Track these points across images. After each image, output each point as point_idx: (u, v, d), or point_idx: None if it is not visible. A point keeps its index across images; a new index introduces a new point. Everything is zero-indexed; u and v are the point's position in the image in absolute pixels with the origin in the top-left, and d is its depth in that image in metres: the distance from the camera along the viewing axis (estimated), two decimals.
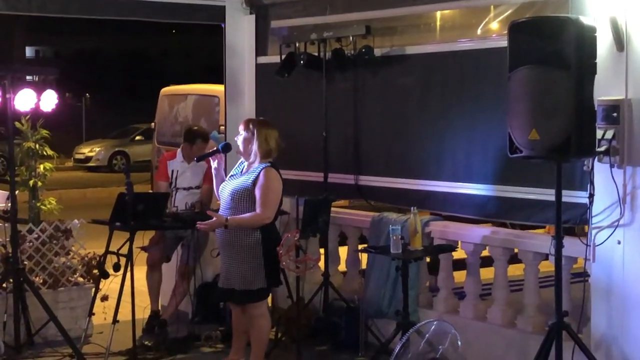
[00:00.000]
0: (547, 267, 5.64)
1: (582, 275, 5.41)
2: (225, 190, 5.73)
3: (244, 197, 5.63)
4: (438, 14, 6.71)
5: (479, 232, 6.30)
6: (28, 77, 6.89)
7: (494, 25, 6.24)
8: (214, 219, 5.61)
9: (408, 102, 6.68)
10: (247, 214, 5.60)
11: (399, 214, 6.66)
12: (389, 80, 6.79)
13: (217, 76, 8.27)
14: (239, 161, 5.89)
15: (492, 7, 6.21)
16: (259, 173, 5.62)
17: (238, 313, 5.92)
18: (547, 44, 4.88)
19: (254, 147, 5.67)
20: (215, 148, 5.97)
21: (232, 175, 5.82)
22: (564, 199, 5.08)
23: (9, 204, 6.30)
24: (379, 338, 6.47)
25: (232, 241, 5.66)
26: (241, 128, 5.75)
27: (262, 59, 7.75)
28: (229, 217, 5.58)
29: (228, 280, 5.73)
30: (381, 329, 6.53)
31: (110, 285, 6.67)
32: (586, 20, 4.95)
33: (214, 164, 5.89)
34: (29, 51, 43.70)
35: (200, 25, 8.13)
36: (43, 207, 7.27)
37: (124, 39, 38.78)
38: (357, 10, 7.03)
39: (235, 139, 5.82)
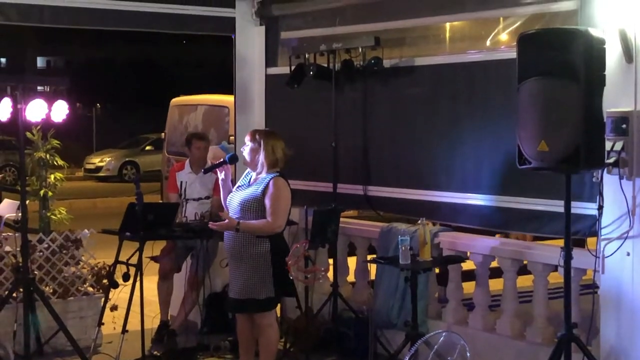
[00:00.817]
0: (557, 278, 5.63)
1: (592, 287, 5.40)
2: (234, 201, 5.75)
3: (253, 207, 5.64)
4: (447, 25, 6.73)
5: (488, 243, 6.29)
6: (39, 88, 6.93)
7: (503, 37, 6.25)
8: (226, 220, 5.63)
9: (417, 113, 6.69)
10: (259, 221, 5.62)
11: (408, 225, 6.66)
12: (398, 91, 6.81)
13: (227, 86, 8.30)
14: (245, 172, 5.90)
15: (501, 18, 6.23)
16: (268, 182, 5.65)
17: (244, 322, 5.91)
18: (556, 56, 4.88)
19: (261, 157, 5.69)
20: (222, 159, 5.98)
21: (239, 186, 5.83)
22: (573, 211, 5.07)
23: (20, 214, 6.33)
24: (388, 349, 6.47)
25: (242, 250, 5.67)
26: (247, 139, 5.78)
27: (272, 70, 7.78)
28: (240, 221, 5.59)
29: (239, 290, 5.73)
30: (390, 339, 6.52)
31: (119, 295, 6.70)
32: (595, 32, 4.96)
33: (221, 175, 5.90)
34: (40, 61, 43.91)
35: (210, 35, 8.17)
36: (53, 216, 7.31)
37: (134, 49, 38.90)
38: (367, 22, 7.06)
39: (242, 149, 5.84)
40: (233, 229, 5.61)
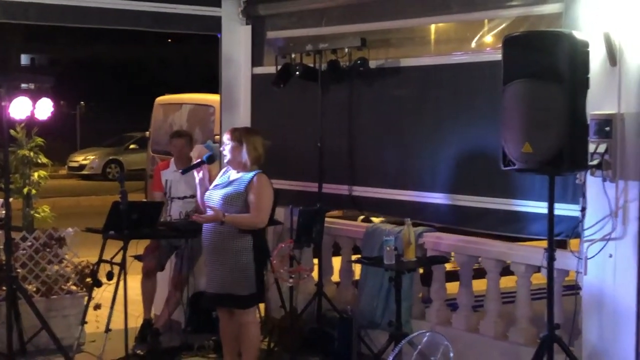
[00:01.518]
0: (540, 279, 5.66)
1: (574, 288, 5.43)
2: (214, 197, 5.73)
3: (236, 202, 5.65)
4: (433, 27, 6.76)
5: (472, 243, 6.32)
6: (23, 85, 6.91)
7: (489, 39, 6.28)
8: (211, 212, 5.63)
9: (402, 114, 6.71)
10: (244, 214, 5.63)
11: (393, 225, 6.67)
12: (384, 92, 6.82)
13: (213, 85, 8.30)
14: (222, 170, 5.91)
15: (486, 21, 6.26)
16: (252, 178, 5.67)
17: (226, 320, 5.92)
18: (540, 58, 4.91)
19: (244, 155, 5.71)
20: (199, 159, 5.98)
21: (217, 185, 5.82)
22: (556, 212, 5.10)
23: (3, 212, 6.30)
24: (372, 349, 6.48)
25: (224, 246, 5.67)
26: (227, 138, 5.79)
27: (258, 70, 7.78)
28: (226, 214, 5.60)
29: (220, 285, 5.72)
30: (374, 339, 6.54)
31: (103, 294, 6.68)
32: (579, 35, 4.99)
33: (199, 175, 5.91)
34: (24, 59, 43.62)
35: (196, 34, 8.16)
36: (37, 214, 7.29)
37: (120, 48, 38.71)
38: (353, 22, 7.07)
39: (222, 149, 5.84)
40: (218, 221, 5.62)
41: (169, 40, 38.35)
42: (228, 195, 5.67)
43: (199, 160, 5.99)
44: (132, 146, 25.68)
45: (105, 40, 37.15)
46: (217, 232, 5.68)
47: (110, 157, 25.72)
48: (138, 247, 7.08)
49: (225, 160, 5.83)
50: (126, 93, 35.62)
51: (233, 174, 5.79)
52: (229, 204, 5.65)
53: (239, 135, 5.76)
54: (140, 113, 17.53)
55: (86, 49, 38.81)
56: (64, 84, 28.22)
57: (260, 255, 5.73)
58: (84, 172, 25.45)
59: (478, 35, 6.31)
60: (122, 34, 27.34)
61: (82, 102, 31.22)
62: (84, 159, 25.82)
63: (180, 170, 6.50)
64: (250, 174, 5.70)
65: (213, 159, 6.03)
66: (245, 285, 5.67)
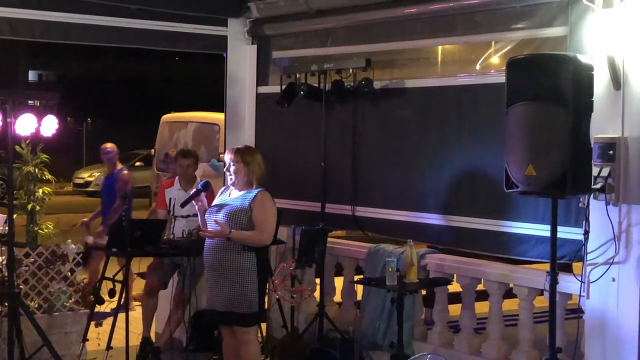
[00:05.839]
0: (543, 302, 5.63)
1: (577, 312, 5.41)
2: (217, 214, 5.70)
3: (240, 219, 5.62)
4: (438, 48, 6.77)
5: (474, 265, 6.30)
6: (29, 102, 6.92)
7: (493, 61, 6.29)
8: (219, 227, 5.62)
9: (406, 135, 6.72)
10: (250, 232, 5.63)
11: (396, 246, 6.66)
12: (388, 112, 6.83)
13: (219, 103, 8.33)
14: (221, 190, 5.89)
15: (492, 43, 6.27)
16: (256, 196, 5.67)
17: (229, 337, 5.88)
18: (544, 81, 4.92)
19: (249, 175, 5.71)
20: (195, 190, 5.96)
21: (216, 205, 5.79)
22: (559, 235, 5.10)
23: (7, 228, 6.30)
24: None
25: (227, 263, 5.65)
26: (230, 159, 5.76)
27: (263, 89, 7.80)
28: (232, 230, 5.59)
29: (222, 302, 5.69)
30: None
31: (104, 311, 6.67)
32: (584, 58, 5.00)
33: (197, 204, 5.88)
34: (32, 75, 43.84)
35: (202, 52, 8.20)
36: (40, 231, 7.27)
37: (126, 65, 38.93)
38: (358, 43, 7.10)
39: (225, 170, 5.82)
40: (224, 237, 5.60)
41: (176, 58, 38.51)
42: (232, 213, 5.65)
43: (194, 190, 5.97)
44: (137, 163, 25.68)
45: (113, 57, 37.35)
46: (219, 249, 5.67)
47: None
48: (141, 265, 7.08)
49: (230, 182, 5.79)
50: (132, 110, 35.74)
51: (234, 193, 5.78)
52: (234, 221, 5.64)
53: (242, 155, 5.76)
54: (146, 130, 17.59)
55: (93, 65, 39.03)
56: (71, 100, 28.34)
57: (263, 273, 5.71)
58: (90, 188, 25.41)
59: (483, 57, 6.32)
60: (130, 51, 27.48)
61: (88, 119, 31.35)
62: (90, 175, 25.81)
63: (180, 204, 6.46)
64: (254, 192, 5.70)
65: (208, 186, 6.00)
66: (247, 304, 5.65)
